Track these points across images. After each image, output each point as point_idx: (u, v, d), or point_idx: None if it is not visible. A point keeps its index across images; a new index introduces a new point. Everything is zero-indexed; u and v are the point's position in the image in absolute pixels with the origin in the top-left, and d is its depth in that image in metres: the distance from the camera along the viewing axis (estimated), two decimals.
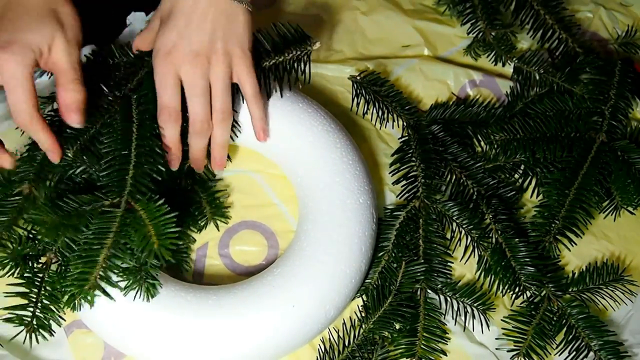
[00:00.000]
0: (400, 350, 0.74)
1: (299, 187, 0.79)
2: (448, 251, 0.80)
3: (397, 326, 0.75)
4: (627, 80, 0.87)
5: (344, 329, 0.75)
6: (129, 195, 0.66)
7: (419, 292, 0.77)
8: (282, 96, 0.78)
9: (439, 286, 0.77)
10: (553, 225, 0.79)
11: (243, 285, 0.72)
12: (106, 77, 0.76)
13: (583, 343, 0.75)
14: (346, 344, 0.74)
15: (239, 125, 0.78)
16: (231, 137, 0.76)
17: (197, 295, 0.71)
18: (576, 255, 0.82)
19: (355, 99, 0.86)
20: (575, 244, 0.80)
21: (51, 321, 0.70)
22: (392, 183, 0.83)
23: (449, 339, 0.76)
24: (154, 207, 0.65)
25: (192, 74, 0.70)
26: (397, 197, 0.83)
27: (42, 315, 0.69)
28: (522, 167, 0.84)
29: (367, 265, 0.76)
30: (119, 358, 0.74)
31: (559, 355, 0.76)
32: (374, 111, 0.86)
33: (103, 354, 0.74)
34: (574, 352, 0.75)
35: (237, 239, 0.80)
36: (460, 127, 0.85)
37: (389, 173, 0.84)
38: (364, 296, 0.76)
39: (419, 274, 0.76)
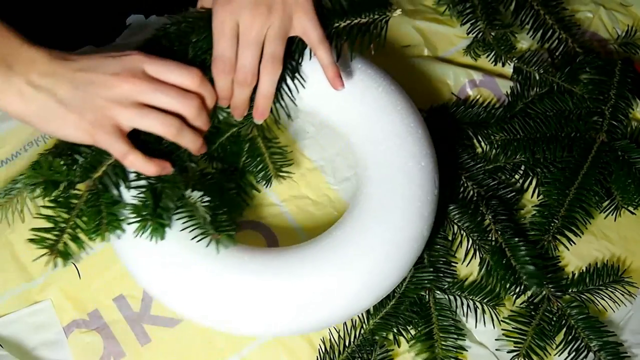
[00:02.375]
0: (422, 356, 0.74)
1: (358, 151, 0.76)
2: (451, 252, 0.80)
3: (412, 331, 0.75)
4: (628, 80, 0.86)
5: (345, 329, 0.75)
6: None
7: (427, 294, 0.77)
8: (352, 59, 0.76)
9: (447, 286, 0.77)
10: (552, 224, 0.79)
11: (302, 248, 0.71)
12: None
13: (583, 344, 0.75)
14: (346, 344, 0.74)
15: (303, 79, 0.75)
16: (292, 98, 0.75)
17: (256, 256, 0.70)
18: (576, 255, 0.82)
19: None
20: (574, 244, 0.80)
21: (77, 250, 0.69)
22: None
23: (465, 335, 0.76)
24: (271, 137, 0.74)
25: (250, 23, 0.69)
26: None
27: (69, 243, 0.68)
28: (523, 167, 0.84)
29: (428, 231, 0.73)
30: (119, 357, 0.74)
31: (559, 356, 0.76)
32: None
33: (102, 354, 0.74)
34: (574, 353, 0.75)
35: (237, 238, 0.80)
36: (461, 127, 0.85)
37: None
38: None
39: (425, 282, 0.76)
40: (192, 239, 0.67)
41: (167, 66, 0.68)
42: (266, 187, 0.77)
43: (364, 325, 0.75)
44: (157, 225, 0.68)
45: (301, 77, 0.75)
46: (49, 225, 0.68)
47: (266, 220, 0.81)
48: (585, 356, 0.75)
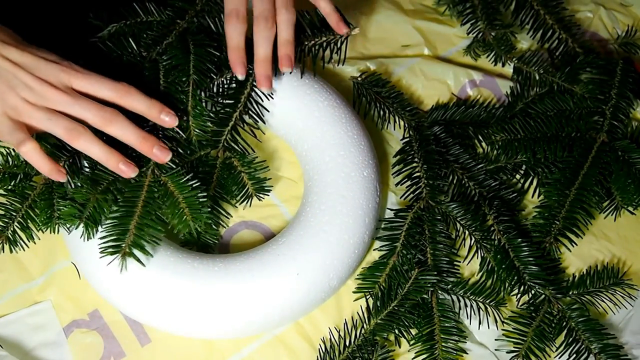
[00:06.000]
0: (422, 356, 0.74)
1: (304, 160, 0.80)
2: (454, 250, 0.79)
3: (414, 332, 0.75)
4: (629, 80, 0.86)
5: (345, 329, 0.75)
6: (155, 166, 0.72)
7: (429, 294, 0.76)
8: (302, 77, 0.80)
9: (450, 286, 0.77)
10: (554, 225, 0.79)
11: (248, 254, 0.74)
12: (136, 34, 0.79)
13: (583, 346, 0.75)
14: (347, 344, 0.74)
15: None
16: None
17: (204, 262, 0.72)
18: (576, 255, 0.82)
19: (357, 100, 0.86)
20: (576, 245, 0.80)
21: (24, 238, 0.73)
22: (395, 184, 0.83)
23: (467, 337, 0.76)
24: (183, 181, 0.71)
25: None
26: (400, 198, 0.82)
27: (18, 231, 0.72)
28: (524, 167, 0.83)
29: (370, 237, 0.77)
30: (119, 357, 0.73)
31: (559, 358, 0.76)
32: (375, 112, 0.86)
33: (102, 354, 0.74)
34: (574, 355, 0.75)
35: (237, 238, 0.80)
36: (462, 128, 0.85)
37: (392, 174, 0.84)
38: (370, 298, 0.76)
39: (428, 285, 0.76)
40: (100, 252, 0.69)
41: (93, 82, 0.69)
42: (245, 205, 0.77)
43: (365, 326, 0.74)
44: (90, 223, 0.70)
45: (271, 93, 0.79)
46: (0, 212, 0.72)
47: (266, 220, 0.81)
48: (586, 358, 0.74)
